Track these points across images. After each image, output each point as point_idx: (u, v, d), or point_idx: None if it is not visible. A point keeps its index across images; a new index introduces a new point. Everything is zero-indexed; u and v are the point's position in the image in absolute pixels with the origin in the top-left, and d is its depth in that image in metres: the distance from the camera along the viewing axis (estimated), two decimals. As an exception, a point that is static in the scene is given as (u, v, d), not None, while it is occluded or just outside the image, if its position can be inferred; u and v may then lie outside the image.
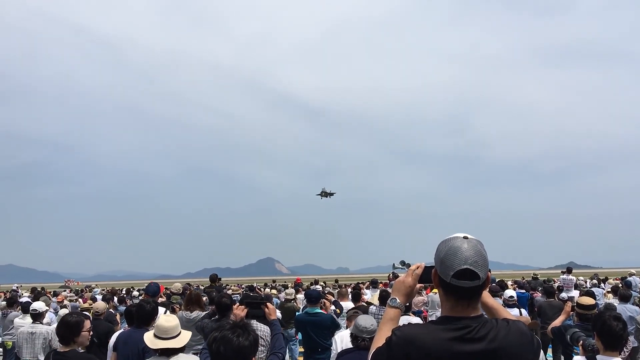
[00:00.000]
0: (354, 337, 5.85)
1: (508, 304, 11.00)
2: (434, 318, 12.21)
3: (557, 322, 7.08)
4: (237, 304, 5.35)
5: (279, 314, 12.41)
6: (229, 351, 3.24)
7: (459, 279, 2.55)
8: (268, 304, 5.30)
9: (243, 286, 28.19)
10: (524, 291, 15.99)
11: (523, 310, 11.29)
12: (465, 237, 2.61)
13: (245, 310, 5.17)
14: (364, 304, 11.06)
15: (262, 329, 5.93)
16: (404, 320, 7.65)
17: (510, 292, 11.63)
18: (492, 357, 2.54)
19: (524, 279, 26.00)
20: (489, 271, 2.61)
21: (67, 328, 5.49)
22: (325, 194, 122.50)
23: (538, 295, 15.76)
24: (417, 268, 2.86)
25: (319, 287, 21.63)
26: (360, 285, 21.63)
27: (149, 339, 5.02)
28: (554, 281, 20.09)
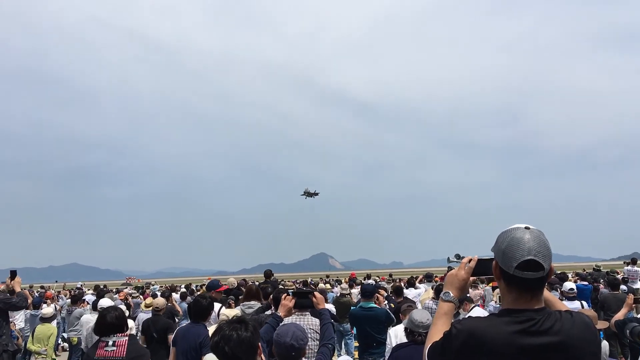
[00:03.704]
0: (409, 332, 5.80)
1: (568, 296, 10.63)
2: (486, 311, 11.97)
3: (619, 315, 6.82)
4: (285, 294, 5.31)
5: (332, 308, 12.45)
6: (234, 347, 3.26)
7: (523, 270, 2.50)
8: (316, 292, 5.26)
9: (297, 281, 28.52)
10: (586, 283, 15.38)
11: (584, 303, 10.90)
12: (527, 228, 2.56)
13: (293, 300, 5.15)
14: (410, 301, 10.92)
15: (312, 322, 5.93)
16: (476, 313, 7.82)
17: (569, 285, 11.17)
18: (557, 350, 2.48)
19: (584, 270, 25.13)
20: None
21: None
22: (308, 194, 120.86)
23: (602, 287, 15.16)
24: (470, 261, 2.83)
25: (372, 282, 21.56)
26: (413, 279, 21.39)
27: None
28: (618, 272, 19.30)
